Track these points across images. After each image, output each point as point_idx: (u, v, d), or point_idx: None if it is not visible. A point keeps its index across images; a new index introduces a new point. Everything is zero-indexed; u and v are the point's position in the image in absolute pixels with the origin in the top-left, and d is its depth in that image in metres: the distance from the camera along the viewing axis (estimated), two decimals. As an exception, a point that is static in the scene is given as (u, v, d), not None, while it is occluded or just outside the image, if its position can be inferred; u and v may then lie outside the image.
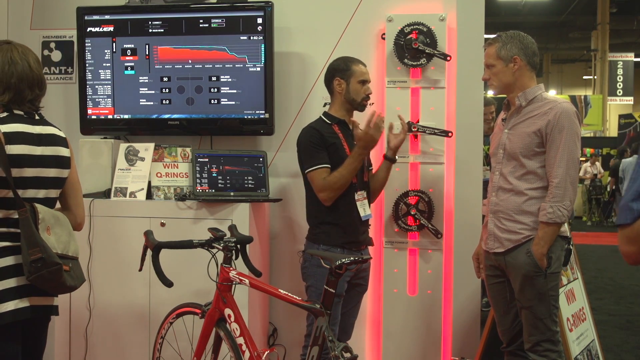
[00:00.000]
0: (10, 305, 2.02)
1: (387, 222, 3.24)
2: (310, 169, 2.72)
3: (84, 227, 3.06)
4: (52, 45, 3.70)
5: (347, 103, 2.82)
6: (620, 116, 17.12)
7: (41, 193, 2.13)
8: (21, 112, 2.13)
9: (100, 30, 3.45)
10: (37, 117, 2.18)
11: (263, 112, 3.34)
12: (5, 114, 2.09)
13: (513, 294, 2.60)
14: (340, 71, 2.81)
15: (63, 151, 2.21)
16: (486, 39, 2.88)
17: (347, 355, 2.12)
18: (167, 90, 3.42)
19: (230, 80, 3.37)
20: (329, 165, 2.71)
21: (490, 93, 3.37)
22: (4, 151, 1.99)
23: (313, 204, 2.80)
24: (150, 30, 3.41)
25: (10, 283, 2.04)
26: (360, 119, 3.01)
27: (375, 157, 3.23)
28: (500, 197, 2.61)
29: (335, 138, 2.77)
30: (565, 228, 2.58)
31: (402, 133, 2.98)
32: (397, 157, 2.97)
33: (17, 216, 2.02)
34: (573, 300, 3.27)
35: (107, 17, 3.44)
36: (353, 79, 2.79)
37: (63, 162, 2.20)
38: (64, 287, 2.11)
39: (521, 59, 2.57)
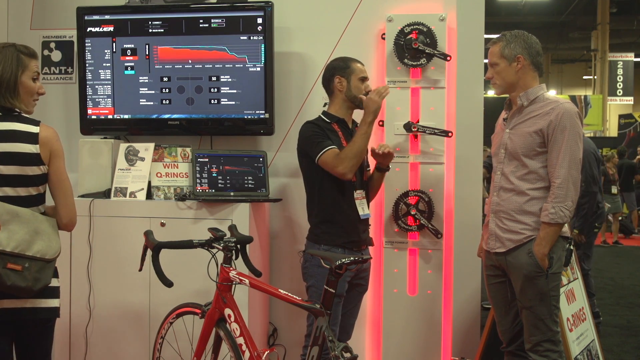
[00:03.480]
0: None
1: (387, 222, 3.24)
2: (321, 153, 2.68)
3: (86, 227, 3.11)
4: (52, 45, 3.70)
5: (348, 101, 2.82)
6: (620, 116, 17.11)
7: None
8: None
9: (100, 30, 3.45)
10: None
11: (263, 112, 3.34)
12: None
13: (513, 294, 2.60)
14: (341, 69, 2.82)
15: (24, 147, 2.13)
16: (487, 39, 2.88)
17: (347, 355, 2.12)
18: (167, 90, 3.42)
19: (230, 80, 3.37)
20: (336, 147, 2.70)
21: (490, 93, 3.37)
22: None
23: (313, 203, 2.80)
24: (150, 30, 3.41)
25: None
26: (359, 118, 3.00)
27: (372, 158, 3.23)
28: (502, 197, 2.61)
29: (335, 136, 2.77)
30: (566, 228, 2.58)
31: (389, 154, 2.85)
32: (390, 165, 2.94)
33: None
34: (573, 300, 3.27)
35: (107, 17, 3.44)
36: (354, 76, 2.80)
37: (24, 159, 2.13)
38: (4, 286, 2.03)
39: (525, 58, 2.57)
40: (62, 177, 2.22)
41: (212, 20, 3.35)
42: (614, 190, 10.29)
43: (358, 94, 2.80)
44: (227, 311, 2.45)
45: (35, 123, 2.19)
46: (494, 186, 2.67)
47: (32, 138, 2.15)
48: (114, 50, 3.44)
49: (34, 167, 2.15)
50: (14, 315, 2.12)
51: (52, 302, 2.21)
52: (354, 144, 2.68)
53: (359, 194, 2.80)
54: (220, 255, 2.49)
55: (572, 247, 2.61)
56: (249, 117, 3.37)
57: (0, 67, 2.14)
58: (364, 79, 2.82)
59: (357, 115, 2.93)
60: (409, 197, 3.20)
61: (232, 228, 2.63)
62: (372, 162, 3.04)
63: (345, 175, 2.67)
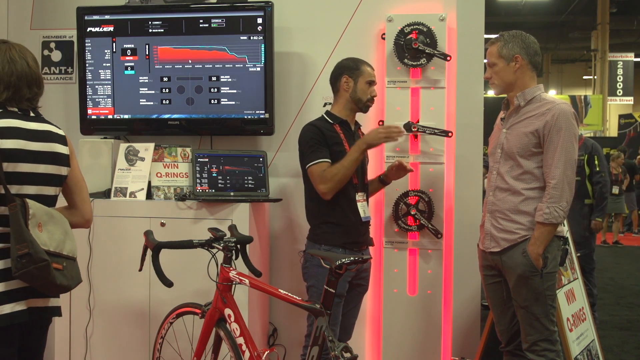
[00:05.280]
0: (6, 309, 1.99)
1: (387, 222, 3.24)
2: (311, 164, 2.70)
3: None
4: (52, 45, 3.70)
5: (352, 102, 2.81)
6: (620, 116, 17.12)
7: (32, 189, 2.09)
8: (15, 109, 2.11)
9: (100, 30, 3.45)
10: (32, 115, 2.16)
11: (263, 112, 3.34)
12: None
13: (510, 294, 2.60)
14: (350, 69, 2.81)
15: (60, 148, 2.18)
16: (486, 39, 2.89)
17: (347, 355, 2.12)
18: (167, 90, 3.42)
19: (230, 80, 3.37)
20: (329, 160, 2.70)
21: (490, 93, 3.38)
22: None
23: (313, 203, 2.79)
24: (150, 30, 3.41)
25: (15, 284, 2.01)
26: (363, 117, 3.00)
27: (373, 161, 3.23)
28: (498, 197, 2.61)
29: (336, 138, 2.76)
30: (562, 228, 2.58)
31: (402, 170, 2.91)
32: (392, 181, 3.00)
33: (7, 213, 1.98)
34: (573, 300, 3.28)
35: (107, 17, 3.44)
36: (361, 78, 2.79)
37: (60, 159, 2.18)
38: (54, 286, 2.05)
39: (523, 58, 2.57)
40: (80, 175, 2.30)
41: (212, 20, 3.35)
42: (615, 190, 10.24)
43: (363, 97, 2.80)
44: (227, 311, 2.45)
45: (57, 126, 2.24)
46: (490, 186, 2.67)
47: (63, 140, 2.21)
48: (114, 50, 3.44)
49: (66, 167, 2.20)
50: (40, 314, 2.13)
51: (59, 301, 2.24)
52: (342, 168, 2.65)
53: (360, 196, 2.80)
54: (220, 255, 2.49)
55: (567, 247, 2.61)
56: (249, 117, 3.37)
57: (34, 68, 2.16)
58: (371, 83, 2.81)
59: (359, 116, 2.94)
60: (409, 197, 3.20)
61: (232, 228, 2.63)
62: (371, 170, 3.04)
63: (325, 195, 2.68)
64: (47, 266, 1.99)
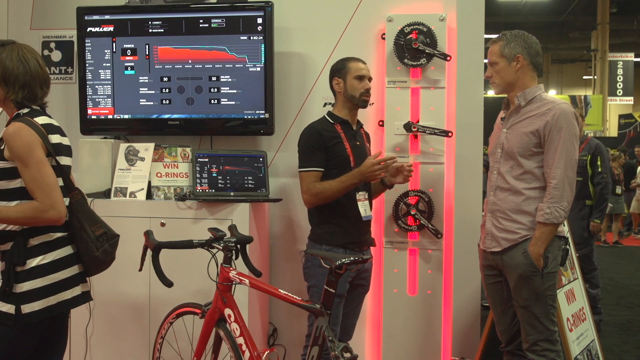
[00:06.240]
0: (67, 294, 2.11)
1: (387, 222, 3.24)
2: (303, 169, 2.74)
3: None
4: (52, 45, 3.70)
5: (348, 101, 2.82)
6: (620, 116, 17.14)
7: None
8: (37, 108, 2.18)
9: (100, 30, 3.45)
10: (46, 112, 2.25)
11: (263, 112, 3.34)
12: (26, 110, 2.14)
13: (510, 294, 2.60)
14: (337, 70, 2.84)
15: (69, 142, 2.30)
16: (486, 39, 2.89)
17: (347, 355, 2.12)
18: (167, 90, 3.42)
19: (230, 80, 3.37)
20: (322, 169, 2.72)
21: (490, 93, 3.38)
22: (49, 141, 2.08)
23: (314, 203, 2.79)
24: (150, 30, 3.41)
25: (74, 270, 2.14)
26: (363, 117, 3.00)
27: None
28: (499, 197, 2.61)
29: (337, 137, 2.77)
30: (562, 228, 2.58)
31: (400, 176, 2.86)
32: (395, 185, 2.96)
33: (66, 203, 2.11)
34: (573, 300, 3.28)
35: (107, 17, 3.44)
36: (349, 75, 2.80)
37: (72, 152, 2.30)
38: (112, 261, 2.24)
39: (524, 58, 2.57)
40: None
41: (212, 20, 3.35)
42: (618, 190, 10.22)
43: (355, 93, 2.80)
44: (227, 311, 2.45)
45: None
46: (490, 185, 2.67)
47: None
48: (114, 50, 3.44)
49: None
50: (88, 298, 2.24)
51: None
52: (331, 190, 2.68)
53: (361, 195, 2.80)
54: (220, 255, 2.49)
55: (568, 247, 2.61)
56: (249, 117, 3.37)
57: (44, 68, 2.21)
58: (361, 78, 2.81)
59: (362, 115, 2.94)
60: (409, 197, 3.20)
61: (232, 228, 2.63)
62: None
63: (305, 203, 2.76)
64: (117, 241, 2.23)
